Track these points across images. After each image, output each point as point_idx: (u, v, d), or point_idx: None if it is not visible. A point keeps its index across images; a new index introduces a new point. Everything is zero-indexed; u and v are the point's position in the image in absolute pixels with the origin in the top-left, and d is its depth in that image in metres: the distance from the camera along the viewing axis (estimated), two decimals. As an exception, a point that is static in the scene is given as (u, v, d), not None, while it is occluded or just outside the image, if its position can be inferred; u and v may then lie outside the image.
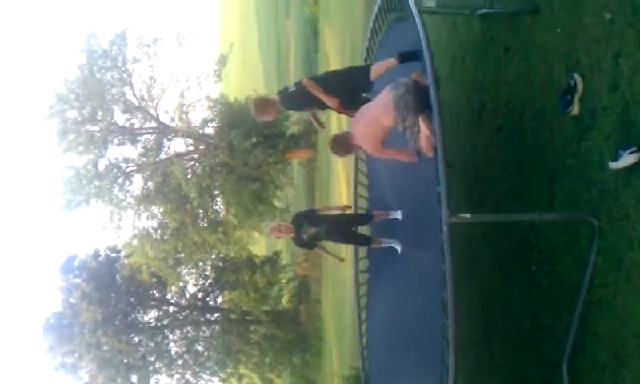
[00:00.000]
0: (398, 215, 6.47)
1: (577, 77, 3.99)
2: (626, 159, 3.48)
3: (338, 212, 7.86)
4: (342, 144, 5.37)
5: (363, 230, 7.51)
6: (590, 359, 3.91)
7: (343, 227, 7.09)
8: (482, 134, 5.69)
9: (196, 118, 24.21)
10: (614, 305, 3.66)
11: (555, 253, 4.31)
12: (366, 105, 5.32)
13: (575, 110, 4.02)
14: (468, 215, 4.48)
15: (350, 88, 6.17)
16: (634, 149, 3.44)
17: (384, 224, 6.86)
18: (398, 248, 6.39)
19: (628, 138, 3.51)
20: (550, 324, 4.38)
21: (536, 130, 4.58)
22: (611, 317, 3.69)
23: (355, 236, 7.22)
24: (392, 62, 5.75)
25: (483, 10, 5.41)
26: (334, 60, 20.94)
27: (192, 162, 24.09)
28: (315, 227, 6.85)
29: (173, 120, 23.90)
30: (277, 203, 26.28)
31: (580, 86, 3.97)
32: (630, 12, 3.51)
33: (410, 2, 4.95)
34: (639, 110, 3.43)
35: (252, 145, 22.32)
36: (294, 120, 27.75)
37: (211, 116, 24.26)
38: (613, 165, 3.59)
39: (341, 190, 18.87)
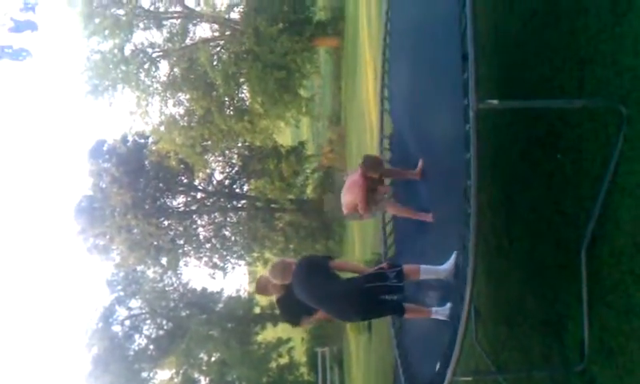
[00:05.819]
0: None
1: (619, -43, 3.80)
2: (663, 44, 3.38)
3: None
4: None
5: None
6: (608, 246, 3.97)
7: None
8: (515, 19, 5.51)
9: (222, 3, 23.76)
10: (637, 192, 3.67)
11: (582, 140, 4.28)
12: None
13: (614, -8, 3.86)
14: (496, 101, 4.45)
15: None
16: (672, 33, 3.33)
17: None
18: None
19: (667, 22, 3.39)
20: (571, 211, 4.42)
21: (571, 15, 4.42)
22: (633, 205, 3.71)
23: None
24: None
25: None
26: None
27: (218, 49, 23.86)
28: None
29: (198, 4, 23.47)
30: (302, 92, 26.14)
31: (622, -33, 3.80)
32: None
33: None
34: (682, -9, 3.29)
35: (278, 31, 21.93)
36: (321, 6, 27.00)
37: (237, 0, 23.75)
38: (648, 50, 3.49)
39: (368, 81, 18.62)
